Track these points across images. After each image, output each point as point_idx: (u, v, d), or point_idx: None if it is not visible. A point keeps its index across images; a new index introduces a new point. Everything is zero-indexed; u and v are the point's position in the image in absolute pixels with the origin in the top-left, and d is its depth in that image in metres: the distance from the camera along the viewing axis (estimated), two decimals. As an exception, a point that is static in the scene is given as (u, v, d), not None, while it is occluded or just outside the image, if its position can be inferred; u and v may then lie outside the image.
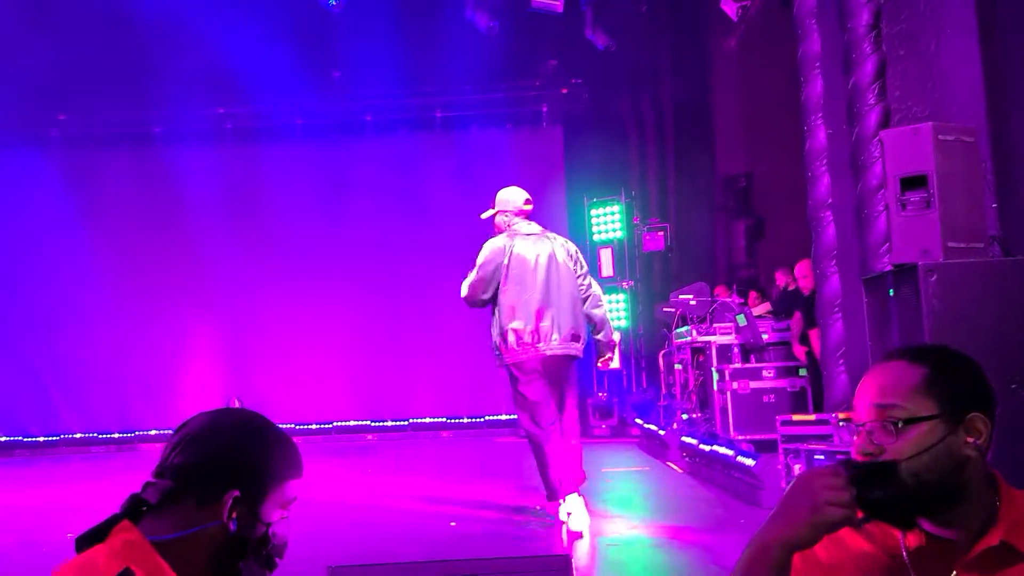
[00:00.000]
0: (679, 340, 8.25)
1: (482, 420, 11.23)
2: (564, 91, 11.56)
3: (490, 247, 4.98)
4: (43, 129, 11.83)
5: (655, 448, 8.38)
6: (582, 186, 11.33)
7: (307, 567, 4.11)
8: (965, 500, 1.30)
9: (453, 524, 5.02)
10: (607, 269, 10.95)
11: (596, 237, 11.12)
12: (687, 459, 7.19)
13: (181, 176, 11.66)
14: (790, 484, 1.27)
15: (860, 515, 1.23)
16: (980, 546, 1.28)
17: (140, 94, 11.15)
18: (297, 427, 11.18)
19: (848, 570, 1.36)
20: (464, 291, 4.98)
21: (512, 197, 5.17)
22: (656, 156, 11.64)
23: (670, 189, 11.52)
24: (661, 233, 10.63)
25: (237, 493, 1.33)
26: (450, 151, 11.66)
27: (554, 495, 4.81)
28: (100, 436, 11.26)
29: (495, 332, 4.91)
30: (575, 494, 4.72)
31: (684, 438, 7.35)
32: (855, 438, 1.35)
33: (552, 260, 4.94)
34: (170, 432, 1.43)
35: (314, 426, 11.23)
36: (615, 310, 10.82)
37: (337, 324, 11.28)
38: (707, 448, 6.53)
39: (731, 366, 6.96)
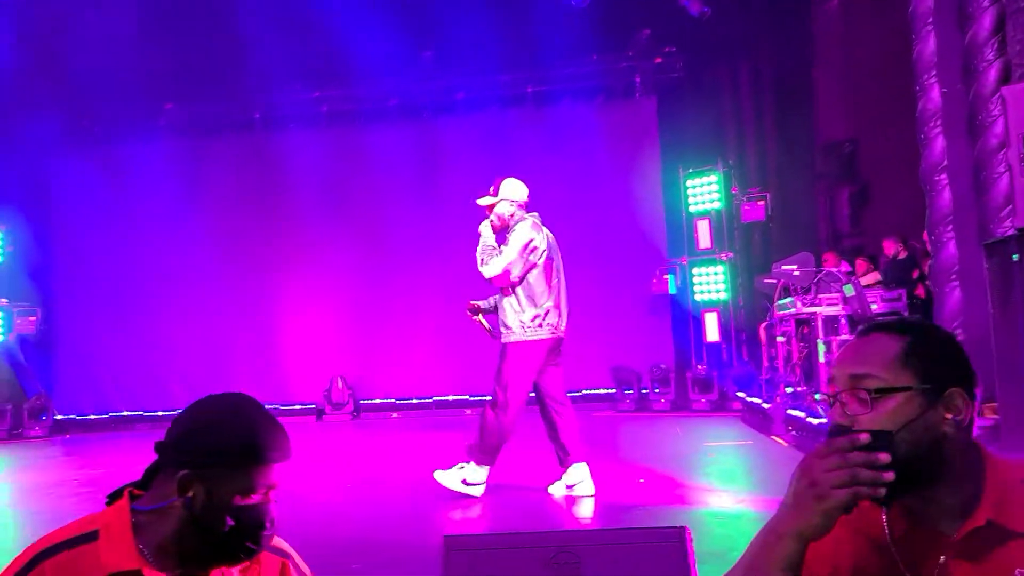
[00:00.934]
0: (781, 312, 8.05)
1: (578, 394, 11.23)
2: (657, 61, 11.35)
3: (529, 232, 5.19)
4: (151, 119, 12.33)
5: (758, 422, 8.23)
6: (677, 157, 11.14)
7: (422, 537, 4.24)
8: (946, 479, 1.23)
9: (641, 481, 5.06)
10: (704, 241, 10.76)
11: (692, 208, 10.92)
12: (793, 433, 7.03)
13: (279, 160, 12.04)
14: (795, 471, 1.22)
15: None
16: (966, 528, 1.22)
17: (239, 81, 11.52)
18: (398, 402, 11.48)
19: (834, 559, 1.30)
20: (496, 269, 5.13)
21: (521, 189, 5.39)
22: (754, 123, 11.32)
23: (770, 157, 11.20)
24: (761, 203, 10.35)
25: (186, 472, 1.37)
26: (543, 126, 11.63)
27: (566, 461, 5.04)
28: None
29: (523, 313, 5.09)
30: (583, 462, 5.01)
31: (790, 411, 7.19)
32: (830, 410, 1.29)
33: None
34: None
35: (415, 400, 11.48)
36: (714, 282, 10.63)
37: (434, 300, 11.44)
38: (815, 421, 6.37)
39: (838, 337, 6.75)
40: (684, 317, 10.90)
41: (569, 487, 5.02)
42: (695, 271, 10.78)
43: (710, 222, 10.76)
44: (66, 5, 10.04)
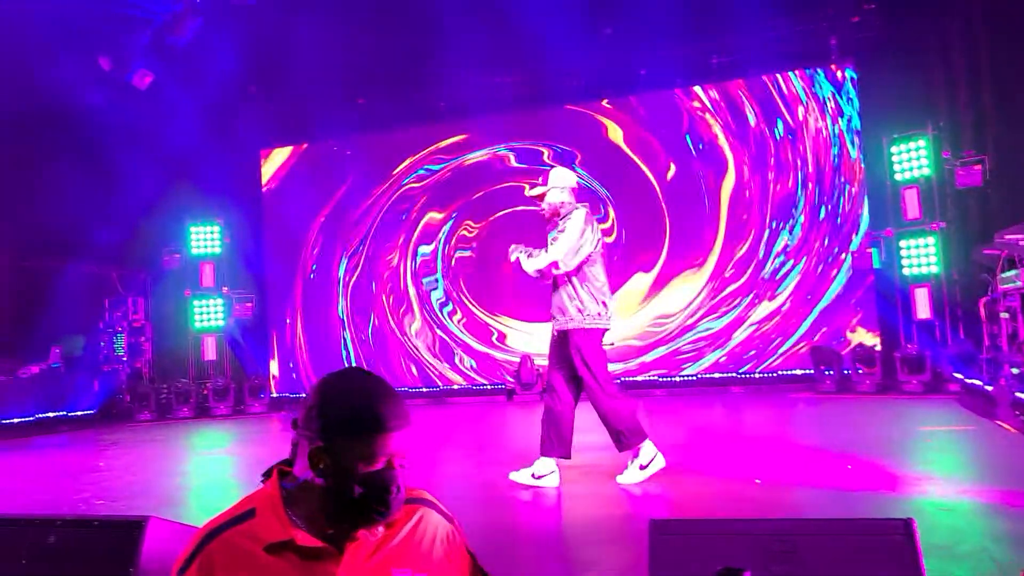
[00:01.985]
0: (1006, 286, 7.32)
1: (774, 375, 10.79)
2: (855, 20, 10.61)
3: (585, 219, 5.07)
4: (347, 113, 12.98)
5: (979, 405, 7.55)
6: (879, 122, 10.38)
7: (629, 522, 4.21)
8: None
9: (758, 482, 4.86)
10: (912, 211, 9.97)
11: (898, 176, 10.15)
12: (1022, 418, 6.40)
13: (463, 147, 12.40)
14: None
15: None
16: None
17: (425, 71, 11.90)
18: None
19: None
20: (568, 261, 5.03)
21: (569, 176, 5.31)
22: (968, 82, 10.32)
23: (987, 118, 10.18)
24: (978, 167, 9.42)
25: (315, 446, 1.48)
26: (730, 99, 11.25)
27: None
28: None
29: (583, 301, 5.03)
30: (554, 459, 5.05)
31: (1018, 394, 6.54)
32: None
33: None
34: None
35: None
36: (924, 255, 9.85)
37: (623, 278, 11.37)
38: (1049, 406, 5.75)
39: (1076, 313, 6.05)
40: (890, 293, 10.18)
41: (536, 476, 5.02)
42: (902, 243, 10.02)
43: (918, 190, 9.96)
44: (274, 14, 10.78)
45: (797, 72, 11.00)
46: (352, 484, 1.48)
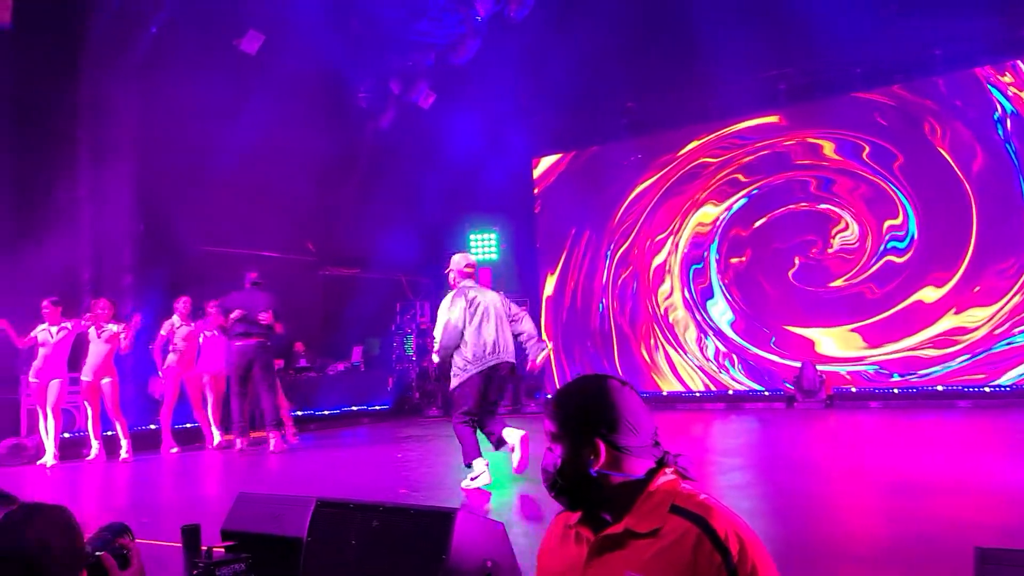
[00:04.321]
0: None
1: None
2: None
3: (450, 303, 6.04)
4: (615, 119, 13.09)
5: None
6: None
7: (951, 549, 3.84)
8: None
9: None
10: None
11: None
12: None
13: (741, 145, 12.03)
14: None
15: None
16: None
17: (692, 72, 11.71)
18: (877, 391, 10.69)
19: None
20: (441, 338, 6.01)
21: (460, 260, 6.21)
22: None
23: None
24: None
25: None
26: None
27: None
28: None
29: (458, 361, 5.94)
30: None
31: None
32: None
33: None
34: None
35: (895, 391, 10.60)
36: None
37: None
38: None
39: None
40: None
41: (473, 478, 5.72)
42: None
43: None
44: (544, 28, 11.22)
45: None
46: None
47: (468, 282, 6.11)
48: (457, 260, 6.26)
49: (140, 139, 10.62)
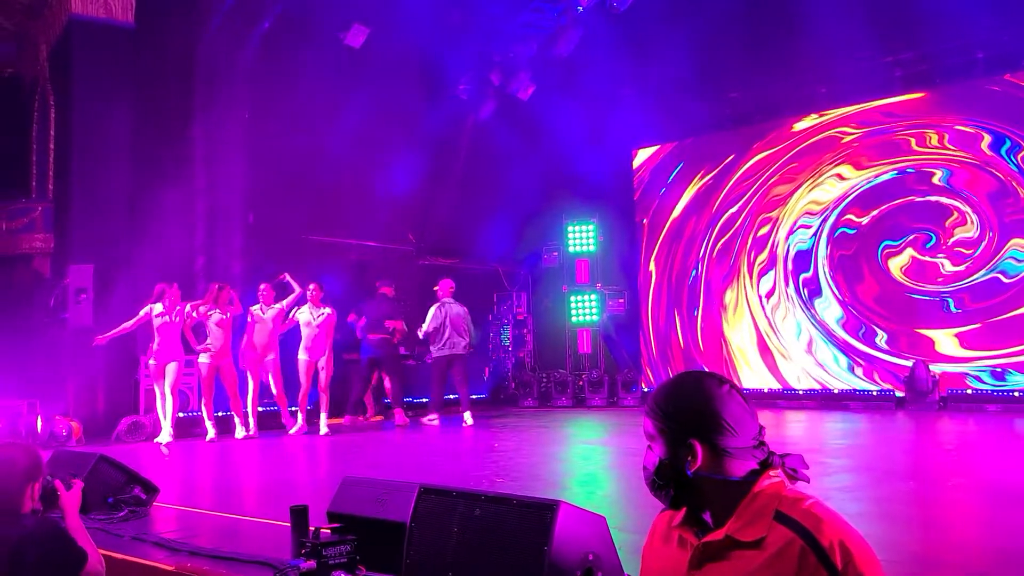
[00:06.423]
0: None
1: None
2: None
3: (435, 313, 10.30)
4: (718, 108, 12.79)
5: None
6: None
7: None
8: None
9: None
10: None
11: None
12: None
13: (847, 135, 11.57)
14: None
15: None
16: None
17: (796, 61, 11.35)
18: (996, 392, 10.15)
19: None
20: (425, 330, 10.39)
21: (444, 287, 10.17)
22: None
23: None
24: None
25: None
26: None
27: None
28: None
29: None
30: None
31: None
32: None
33: None
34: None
35: (1016, 392, 10.03)
36: None
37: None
38: None
39: None
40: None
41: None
42: None
43: None
44: (646, 18, 11.05)
45: None
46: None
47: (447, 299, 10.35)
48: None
49: (249, 134, 11.01)
